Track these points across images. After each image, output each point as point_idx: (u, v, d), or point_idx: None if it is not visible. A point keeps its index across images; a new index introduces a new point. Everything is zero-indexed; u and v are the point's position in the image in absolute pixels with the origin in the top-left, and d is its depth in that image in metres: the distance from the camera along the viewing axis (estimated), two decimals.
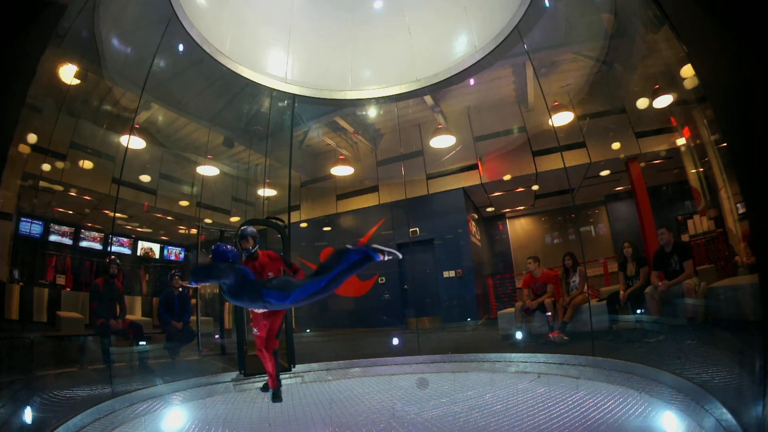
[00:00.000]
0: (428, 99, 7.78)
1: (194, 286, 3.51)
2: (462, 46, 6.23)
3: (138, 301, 7.62)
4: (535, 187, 9.34)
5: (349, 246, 2.86)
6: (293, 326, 5.80)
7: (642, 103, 6.61)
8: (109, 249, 6.98)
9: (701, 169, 5.62)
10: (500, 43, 5.78)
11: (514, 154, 8.40)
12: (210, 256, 3.37)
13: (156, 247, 8.31)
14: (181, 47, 5.70)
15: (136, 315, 7.24)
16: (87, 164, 6.25)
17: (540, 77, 6.68)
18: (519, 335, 6.04)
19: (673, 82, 5.41)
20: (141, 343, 5.83)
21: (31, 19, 2.92)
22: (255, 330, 3.98)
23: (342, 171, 9.00)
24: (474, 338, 7.37)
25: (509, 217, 11.09)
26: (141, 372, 5.38)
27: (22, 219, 5.69)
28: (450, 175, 8.81)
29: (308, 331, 8.75)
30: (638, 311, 5.17)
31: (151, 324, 6.86)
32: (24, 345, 4.73)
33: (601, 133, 7.53)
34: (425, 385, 4.73)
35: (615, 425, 2.95)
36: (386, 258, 2.81)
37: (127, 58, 5.82)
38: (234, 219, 8.54)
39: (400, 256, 2.84)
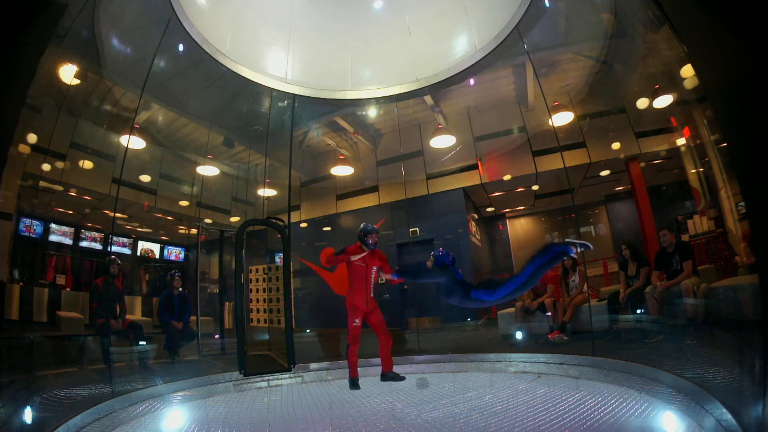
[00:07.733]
0: (428, 99, 7.77)
1: (395, 279, 4.09)
2: (462, 46, 6.23)
3: (138, 301, 7.61)
4: (535, 187, 9.33)
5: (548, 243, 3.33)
6: (293, 326, 5.80)
7: (642, 103, 6.60)
8: (109, 249, 6.98)
9: (701, 169, 5.61)
10: (500, 43, 5.79)
11: (514, 154, 8.38)
12: (431, 260, 3.83)
13: (156, 247, 8.31)
14: (181, 47, 5.71)
15: (136, 315, 7.23)
16: (87, 164, 6.25)
17: (540, 77, 6.67)
18: (519, 335, 6.04)
19: (673, 82, 5.40)
20: (141, 343, 5.84)
21: (31, 19, 2.92)
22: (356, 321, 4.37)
23: (342, 171, 8.99)
24: (474, 338, 7.37)
25: (509, 217, 11.08)
26: (141, 372, 5.38)
27: (22, 219, 5.70)
28: (450, 175, 8.80)
29: (308, 331, 8.74)
30: (638, 311, 5.17)
31: (151, 324, 6.85)
32: (24, 345, 4.73)
33: (601, 133, 7.52)
34: (425, 385, 4.73)
35: (615, 425, 2.95)
36: (579, 250, 3.15)
37: (127, 58, 5.82)
38: (234, 219, 8.54)
39: (591, 247, 3.17)
